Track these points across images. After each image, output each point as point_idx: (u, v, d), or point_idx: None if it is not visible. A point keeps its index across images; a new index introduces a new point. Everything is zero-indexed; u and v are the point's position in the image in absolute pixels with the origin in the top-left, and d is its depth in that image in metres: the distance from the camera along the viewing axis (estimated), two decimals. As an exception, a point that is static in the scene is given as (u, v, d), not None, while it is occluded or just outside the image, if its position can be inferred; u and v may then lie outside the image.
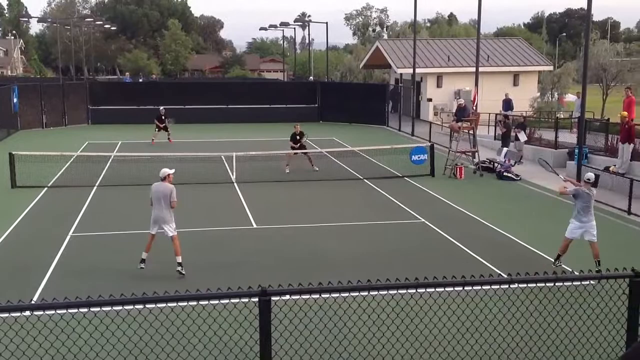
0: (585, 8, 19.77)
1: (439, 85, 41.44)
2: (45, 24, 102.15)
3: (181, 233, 14.82)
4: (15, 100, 35.43)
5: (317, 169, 23.27)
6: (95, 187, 20.50)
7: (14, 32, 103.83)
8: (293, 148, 23.71)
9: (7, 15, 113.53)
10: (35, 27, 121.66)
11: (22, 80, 60.98)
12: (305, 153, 23.82)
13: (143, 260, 12.25)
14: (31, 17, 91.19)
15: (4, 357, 6.64)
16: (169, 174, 12.36)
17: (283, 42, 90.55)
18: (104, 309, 5.16)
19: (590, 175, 12.49)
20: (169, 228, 12.15)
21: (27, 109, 36.78)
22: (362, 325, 7.33)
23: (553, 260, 12.70)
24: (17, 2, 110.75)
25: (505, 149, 24.34)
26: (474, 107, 25.82)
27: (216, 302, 5.30)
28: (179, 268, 12.12)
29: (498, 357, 7.44)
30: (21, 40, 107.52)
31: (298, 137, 23.58)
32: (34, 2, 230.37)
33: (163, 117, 30.62)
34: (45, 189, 20.26)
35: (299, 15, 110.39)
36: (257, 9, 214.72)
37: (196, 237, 14.92)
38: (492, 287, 6.47)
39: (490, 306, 7.57)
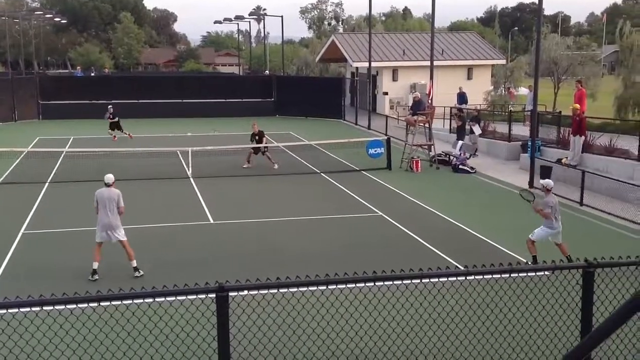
0: (537, 2, 20.14)
1: (394, 79, 41.70)
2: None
3: (136, 229, 14.61)
4: (-39, 94, 34.34)
5: (277, 166, 22.85)
6: (47, 184, 20.04)
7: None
8: (255, 149, 23.16)
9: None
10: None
11: (-31, 74, 59.15)
12: (264, 153, 23.24)
13: (95, 272, 11.70)
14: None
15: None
16: (114, 180, 12.05)
17: (238, 35, 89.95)
18: (57, 307, 5.03)
19: (549, 182, 12.59)
20: (119, 233, 11.77)
21: (-26, 104, 35.73)
22: (320, 320, 7.32)
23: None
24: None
25: (460, 142, 24.65)
26: (430, 101, 26.06)
27: (173, 299, 5.22)
28: (136, 273, 11.81)
29: (456, 349, 7.53)
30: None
31: (257, 138, 23.08)
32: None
33: (111, 115, 29.53)
34: (-6, 186, 19.71)
35: (254, 9, 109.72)
36: (211, 3, 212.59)
37: (152, 233, 14.72)
38: (449, 279, 6.54)
39: (448, 298, 7.64)
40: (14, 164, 22.73)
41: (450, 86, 37.30)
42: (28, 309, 4.88)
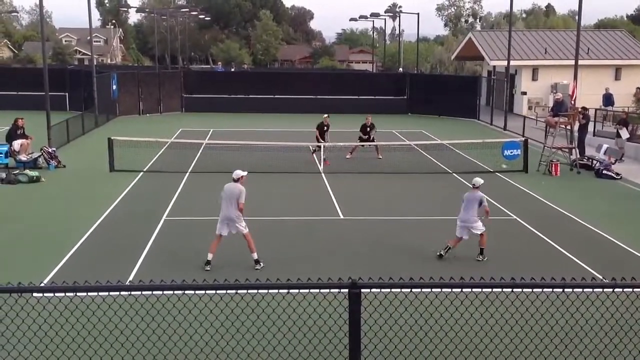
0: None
1: (534, 79, 40.07)
2: (143, 14, 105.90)
3: (268, 221, 15.01)
4: (114, 87, 36.90)
5: (381, 157, 23.74)
6: (187, 173, 21.03)
7: (113, 21, 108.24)
8: (361, 139, 23.78)
9: (107, 5, 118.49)
10: (133, 17, 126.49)
11: (121, 68, 63.39)
12: (373, 145, 23.92)
13: (208, 262, 11.96)
14: (130, 7, 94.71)
15: (102, 335, 6.86)
16: (242, 176, 12.15)
17: (373, 33, 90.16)
18: (197, 292, 5.21)
19: (479, 180, 13.06)
20: (240, 226, 11.93)
21: (125, 96, 38.28)
22: (454, 323, 7.13)
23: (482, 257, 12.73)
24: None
25: (605, 146, 23.23)
26: (572, 102, 24.76)
27: (307, 291, 5.24)
28: (257, 266, 11.95)
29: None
30: (120, 30, 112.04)
31: (368, 129, 23.54)
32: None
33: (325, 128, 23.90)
34: (141, 173, 20.96)
35: (389, 6, 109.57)
36: (347, 0, 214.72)
37: (284, 226, 15.01)
38: (595, 290, 6.13)
39: (592, 311, 7.18)
40: (159, 154, 24.06)
41: (596, 87, 35.30)
42: (171, 293, 5.08)
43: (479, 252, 12.80)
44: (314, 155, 23.45)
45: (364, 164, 22.65)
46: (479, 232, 12.73)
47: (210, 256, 11.99)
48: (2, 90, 38.87)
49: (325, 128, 23.51)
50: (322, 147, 22.55)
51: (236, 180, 12.10)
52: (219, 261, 12.27)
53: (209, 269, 11.87)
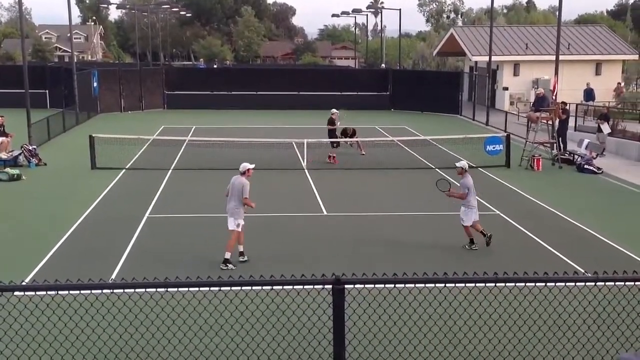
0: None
1: (515, 74, 40.29)
2: (123, 11, 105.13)
3: (252, 218, 14.95)
4: (95, 84, 36.59)
5: (364, 153, 23.89)
6: (170, 170, 20.92)
7: (94, 18, 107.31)
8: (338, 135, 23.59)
9: (87, 1, 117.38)
10: (114, 14, 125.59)
11: (102, 65, 62.93)
12: (353, 143, 23.98)
13: (242, 254, 12.03)
14: (110, 4, 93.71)
15: (85, 334, 6.79)
16: (248, 169, 11.97)
17: (355, 29, 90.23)
18: (180, 290, 5.17)
19: (464, 163, 13.39)
20: (235, 221, 11.75)
21: (106, 93, 37.99)
22: (438, 318, 7.15)
23: (469, 245, 13.08)
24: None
25: (586, 141, 23.42)
26: (554, 97, 24.93)
27: (290, 288, 5.22)
28: (223, 266, 11.65)
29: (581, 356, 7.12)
30: (101, 27, 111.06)
31: (349, 134, 23.72)
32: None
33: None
34: (123, 170, 20.80)
35: (371, 2, 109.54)
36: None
37: (267, 222, 14.98)
38: (577, 284, 6.17)
39: (575, 304, 7.24)
40: (141, 151, 23.90)
41: (576, 82, 35.59)
42: (153, 290, 5.04)
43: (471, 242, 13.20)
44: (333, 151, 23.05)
45: (347, 160, 22.65)
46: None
47: (241, 247, 12.00)
48: (-20, 87, 38.39)
49: (337, 123, 23.37)
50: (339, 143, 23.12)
51: (242, 174, 11.95)
52: (201, 259, 12.22)
53: (246, 258, 11.97)
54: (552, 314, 7.17)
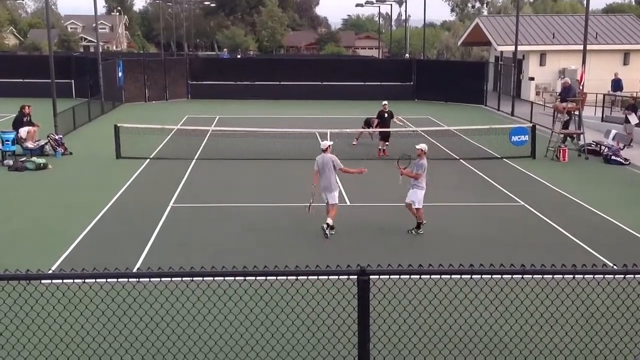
0: None
1: (542, 64, 39.79)
2: (148, 1, 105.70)
3: (275, 208, 14.97)
4: (120, 74, 36.84)
5: (355, 143, 23.64)
6: (194, 160, 21.00)
7: (118, 8, 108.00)
8: (378, 125, 22.80)
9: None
10: (138, 4, 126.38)
11: (126, 55, 63.29)
12: (385, 138, 22.58)
13: (330, 227, 12.81)
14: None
15: (111, 322, 6.85)
16: (328, 145, 13.14)
17: (379, 18, 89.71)
18: (206, 279, 5.17)
19: (424, 145, 13.80)
20: (331, 195, 12.85)
21: (131, 83, 38.25)
22: (463, 310, 7.09)
23: (415, 230, 13.37)
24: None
25: (614, 132, 23.07)
26: (580, 87, 24.58)
27: (314, 278, 5.19)
28: (327, 231, 12.72)
29: (609, 349, 7.02)
30: (125, 17, 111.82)
31: (387, 116, 22.82)
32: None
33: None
34: (148, 160, 20.93)
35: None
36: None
37: (291, 213, 14.97)
38: (605, 277, 6.08)
39: (603, 297, 7.13)
40: (165, 141, 24.03)
41: (604, 72, 35.03)
42: (179, 280, 5.05)
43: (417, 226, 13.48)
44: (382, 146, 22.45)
45: (369, 151, 22.54)
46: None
47: (330, 221, 12.81)
48: (8, 77, 38.87)
49: (386, 115, 22.68)
50: (371, 135, 23.21)
51: (324, 150, 13.03)
52: (225, 249, 12.27)
53: (333, 233, 12.82)
54: (580, 306, 7.06)
